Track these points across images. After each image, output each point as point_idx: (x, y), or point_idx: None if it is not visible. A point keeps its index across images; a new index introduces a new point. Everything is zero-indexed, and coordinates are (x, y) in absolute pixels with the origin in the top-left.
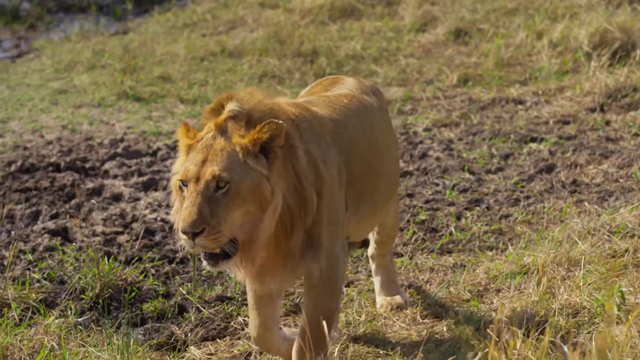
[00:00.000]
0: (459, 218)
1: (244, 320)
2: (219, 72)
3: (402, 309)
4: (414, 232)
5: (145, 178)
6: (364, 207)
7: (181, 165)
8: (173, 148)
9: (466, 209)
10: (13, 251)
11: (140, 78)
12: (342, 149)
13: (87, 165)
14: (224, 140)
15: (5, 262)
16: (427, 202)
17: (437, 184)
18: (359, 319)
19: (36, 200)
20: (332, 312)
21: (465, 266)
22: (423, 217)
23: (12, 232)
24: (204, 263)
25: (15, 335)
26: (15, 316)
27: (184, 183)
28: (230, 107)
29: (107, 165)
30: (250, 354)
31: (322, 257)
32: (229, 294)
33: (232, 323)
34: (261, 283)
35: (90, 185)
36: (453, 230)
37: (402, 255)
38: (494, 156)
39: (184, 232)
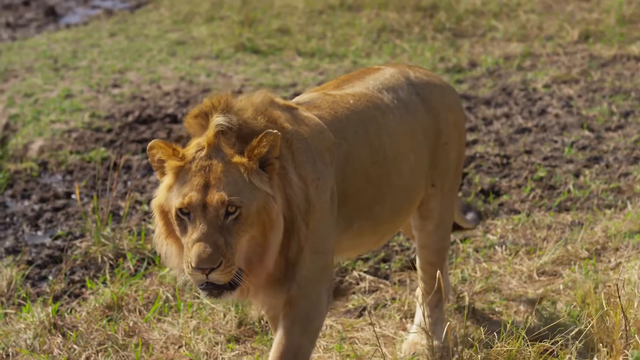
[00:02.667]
0: (577, 175)
1: (358, 274)
2: (337, 26)
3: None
4: (532, 189)
5: None
6: (359, 222)
7: (167, 190)
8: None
9: (585, 166)
10: (129, 202)
11: (258, 30)
12: (339, 165)
13: None
14: (222, 160)
15: (122, 213)
16: (545, 159)
17: (556, 141)
18: (474, 276)
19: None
20: (303, 351)
21: (583, 224)
22: (541, 174)
23: (129, 183)
24: (203, 294)
25: (131, 285)
26: (131, 266)
27: (182, 211)
28: (218, 121)
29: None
30: (364, 308)
31: (298, 286)
32: None
33: (346, 277)
34: (257, 299)
35: None
36: (571, 187)
37: (519, 212)
38: (613, 114)
39: (199, 269)
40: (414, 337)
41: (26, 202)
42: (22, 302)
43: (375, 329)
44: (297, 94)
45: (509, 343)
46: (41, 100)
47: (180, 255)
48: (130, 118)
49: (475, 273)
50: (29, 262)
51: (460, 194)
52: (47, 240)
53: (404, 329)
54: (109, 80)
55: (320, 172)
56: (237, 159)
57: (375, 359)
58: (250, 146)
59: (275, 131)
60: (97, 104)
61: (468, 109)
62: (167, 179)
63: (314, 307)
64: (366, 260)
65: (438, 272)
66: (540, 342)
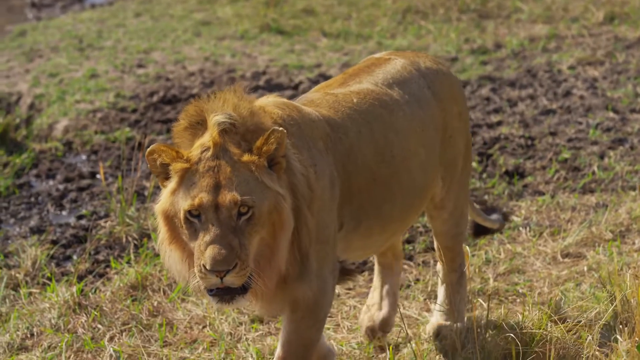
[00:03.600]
0: (602, 157)
1: None
2: (363, 7)
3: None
4: (556, 171)
5: None
6: (367, 221)
7: (171, 194)
8: (315, 82)
9: (609, 148)
10: (154, 182)
11: (283, 11)
12: (338, 157)
13: None
14: (230, 160)
15: (146, 193)
16: (569, 140)
17: (581, 123)
18: (498, 257)
19: None
20: (312, 342)
21: (607, 206)
22: (566, 156)
23: None
24: (214, 300)
25: (155, 265)
26: (155, 246)
27: (192, 214)
28: (219, 119)
29: None
30: None
31: (312, 280)
32: None
33: (370, 258)
34: (267, 302)
35: None
36: (596, 169)
37: (544, 194)
38: (638, 95)
39: (215, 271)
40: (437, 318)
41: (51, 182)
42: (47, 281)
43: (399, 310)
44: (321, 75)
45: (533, 324)
46: (66, 80)
47: (184, 261)
48: (155, 98)
49: (500, 254)
50: (54, 242)
51: (484, 175)
52: (72, 220)
53: (428, 310)
54: (133, 60)
55: (315, 158)
56: (246, 157)
57: (399, 340)
58: (258, 144)
59: (281, 129)
60: (122, 84)
61: (492, 90)
62: (171, 183)
63: (322, 297)
64: None
65: (464, 246)
66: (564, 323)
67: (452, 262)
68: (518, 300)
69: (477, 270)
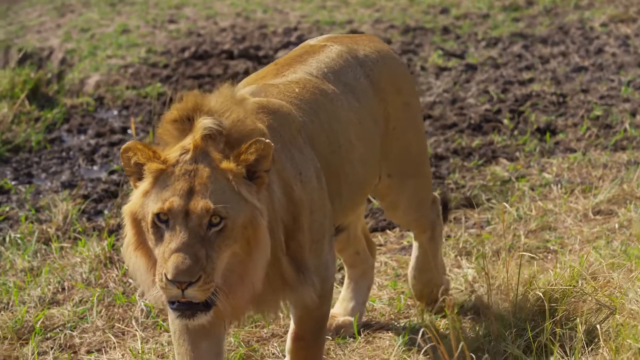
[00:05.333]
0: (633, 115)
1: None
2: None
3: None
4: (588, 128)
5: None
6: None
7: (142, 196)
8: None
9: None
10: None
11: None
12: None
13: (260, 54)
14: (208, 165)
15: None
16: (601, 97)
17: (612, 80)
18: (530, 214)
19: (209, 87)
20: (324, 316)
21: (638, 163)
22: (597, 113)
23: None
24: (174, 314)
25: None
26: None
27: (160, 218)
28: (206, 124)
29: (280, 54)
30: None
31: (314, 279)
32: None
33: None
34: (237, 319)
35: None
36: (627, 126)
37: (575, 151)
38: None
39: (176, 282)
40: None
41: (82, 137)
42: (78, 236)
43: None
44: (353, 31)
45: (564, 281)
46: (98, 35)
47: (149, 270)
48: (186, 54)
49: (531, 211)
50: (85, 197)
51: (516, 132)
52: (103, 175)
53: (459, 267)
54: (165, 15)
55: (299, 164)
56: (225, 164)
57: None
58: (237, 151)
59: (267, 141)
60: (153, 40)
61: (524, 47)
62: (144, 184)
63: (326, 281)
64: None
65: (433, 198)
66: (595, 280)
67: (421, 227)
68: (549, 257)
69: (508, 227)
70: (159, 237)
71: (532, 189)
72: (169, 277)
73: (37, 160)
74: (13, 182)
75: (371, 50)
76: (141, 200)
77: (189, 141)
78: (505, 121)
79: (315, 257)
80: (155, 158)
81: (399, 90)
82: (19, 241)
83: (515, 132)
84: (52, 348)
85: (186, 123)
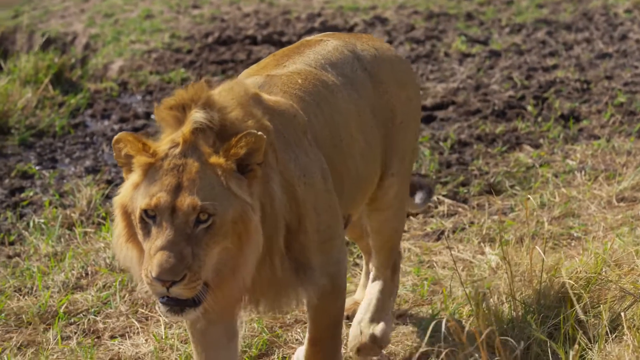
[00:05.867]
0: None
1: (437, 198)
2: None
3: (369, 354)
4: (612, 115)
5: None
6: None
7: (132, 189)
8: (371, 24)
9: None
10: None
11: None
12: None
13: (284, 39)
14: (198, 160)
15: None
16: (625, 84)
17: (637, 67)
18: (553, 201)
19: (232, 73)
20: (339, 314)
21: None
22: (622, 100)
23: None
24: (163, 309)
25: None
26: None
27: (148, 214)
28: (196, 117)
29: None
30: (442, 232)
31: (319, 279)
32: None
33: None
34: (230, 316)
35: None
36: None
37: (599, 138)
38: None
39: (160, 280)
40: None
41: (106, 122)
42: (102, 221)
43: (452, 252)
44: (377, 17)
45: (588, 268)
46: (121, 20)
47: (141, 262)
48: (210, 39)
49: (554, 198)
50: (109, 182)
51: (539, 119)
52: None
53: (482, 253)
54: (189, 0)
55: (303, 166)
56: (214, 159)
57: (452, 284)
58: (227, 145)
59: (259, 133)
60: (177, 25)
61: (548, 33)
62: (134, 176)
63: (337, 277)
64: (445, 184)
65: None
66: (619, 267)
67: (387, 259)
68: (573, 244)
69: (532, 213)
70: (147, 233)
71: (556, 176)
72: (153, 274)
73: (61, 145)
74: (37, 167)
75: (369, 46)
76: (131, 193)
77: (179, 134)
78: (529, 108)
79: (323, 254)
80: (145, 151)
81: (403, 85)
82: (43, 226)
83: (539, 119)
84: (75, 333)
85: (181, 112)
